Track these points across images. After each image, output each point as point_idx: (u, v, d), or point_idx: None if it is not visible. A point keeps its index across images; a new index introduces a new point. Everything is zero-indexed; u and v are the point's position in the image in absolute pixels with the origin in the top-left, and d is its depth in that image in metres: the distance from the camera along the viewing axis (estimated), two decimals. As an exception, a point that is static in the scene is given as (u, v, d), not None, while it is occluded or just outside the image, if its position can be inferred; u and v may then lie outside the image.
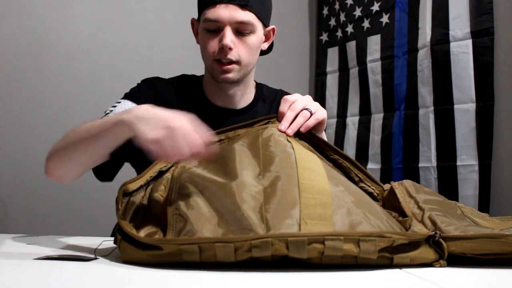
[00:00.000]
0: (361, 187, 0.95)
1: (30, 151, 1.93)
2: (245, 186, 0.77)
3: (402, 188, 0.93)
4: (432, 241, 0.73)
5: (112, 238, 0.80)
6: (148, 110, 0.85)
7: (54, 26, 2.01)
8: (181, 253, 0.66)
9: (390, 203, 0.92)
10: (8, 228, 1.88)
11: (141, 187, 0.88)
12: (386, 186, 0.97)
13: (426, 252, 0.73)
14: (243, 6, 1.10)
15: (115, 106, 1.17)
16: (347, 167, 0.97)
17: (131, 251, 0.71)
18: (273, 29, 1.23)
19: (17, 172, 1.91)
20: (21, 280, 0.61)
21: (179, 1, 2.26)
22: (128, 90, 1.24)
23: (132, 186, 0.86)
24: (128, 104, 1.16)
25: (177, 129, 0.80)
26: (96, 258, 0.75)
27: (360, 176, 0.97)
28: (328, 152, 0.98)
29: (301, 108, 0.99)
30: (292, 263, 0.69)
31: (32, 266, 0.70)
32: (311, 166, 0.82)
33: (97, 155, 0.97)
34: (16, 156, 1.92)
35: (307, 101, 1.02)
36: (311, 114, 0.99)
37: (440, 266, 0.73)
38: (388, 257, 0.69)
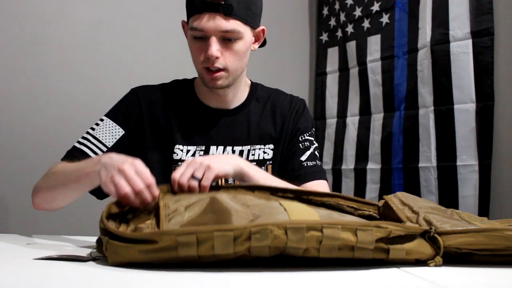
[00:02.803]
0: (358, 215, 0.95)
1: (30, 151, 1.93)
2: (234, 212, 0.75)
3: (395, 199, 0.94)
4: (428, 237, 0.73)
5: None
6: (111, 157, 0.93)
7: (54, 26, 2.01)
8: (177, 246, 0.65)
9: (386, 216, 0.92)
10: (8, 228, 1.88)
11: (122, 213, 0.85)
12: (381, 203, 0.97)
13: (422, 246, 0.73)
14: (228, 15, 1.09)
15: (98, 124, 1.23)
16: (336, 203, 0.97)
17: (121, 249, 0.68)
18: (263, 30, 1.22)
19: (17, 172, 1.91)
20: (21, 280, 0.61)
21: (178, 1, 2.26)
22: (122, 91, 1.28)
23: (115, 209, 0.84)
24: (107, 124, 1.22)
25: (127, 167, 0.87)
26: (95, 259, 0.75)
27: (354, 206, 0.97)
28: (313, 198, 0.97)
29: (188, 177, 0.95)
30: (290, 261, 0.69)
31: (32, 266, 0.70)
32: (296, 205, 0.83)
33: (75, 196, 1.10)
34: (16, 156, 1.92)
35: (199, 164, 0.97)
36: (200, 181, 0.94)
37: (435, 265, 0.73)
38: (385, 249, 0.70)
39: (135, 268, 0.67)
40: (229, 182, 1.16)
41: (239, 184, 1.01)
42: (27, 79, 1.96)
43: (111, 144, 1.20)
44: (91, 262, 0.73)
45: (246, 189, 0.96)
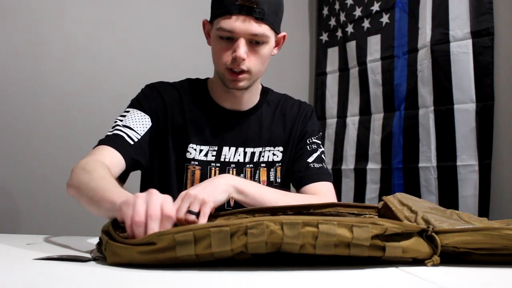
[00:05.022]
0: None
1: (30, 151, 1.94)
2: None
3: (394, 199, 0.95)
4: (425, 236, 0.73)
5: None
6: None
7: (54, 26, 2.01)
8: (175, 245, 0.65)
9: (386, 216, 0.92)
10: (8, 228, 1.88)
11: None
12: (380, 204, 0.98)
13: (419, 244, 0.73)
14: (259, 19, 1.11)
15: (124, 116, 1.19)
16: (337, 212, 0.97)
17: (120, 249, 0.69)
18: (284, 36, 1.24)
19: (18, 173, 1.92)
20: (20, 280, 0.61)
21: (180, 1, 2.26)
22: (131, 92, 1.26)
23: None
24: (137, 114, 1.18)
25: (154, 194, 0.76)
26: (95, 259, 0.75)
27: (355, 212, 0.98)
28: (313, 212, 0.97)
29: (184, 212, 0.93)
30: (288, 261, 0.69)
31: (32, 266, 0.70)
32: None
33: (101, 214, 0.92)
34: (16, 157, 1.92)
35: (193, 198, 0.94)
36: (198, 215, 0.93)
37: (433, 264, 0.73)
38: (381, 246, 0.69)
39: (135, 268, 0.67)
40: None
41: (239, 209, 1.01)
42: (27, 79, 1.96)
43: (143, 133, 1.17)
44: (91, 262, 0.73)
45: (247, 213, 0.97)
